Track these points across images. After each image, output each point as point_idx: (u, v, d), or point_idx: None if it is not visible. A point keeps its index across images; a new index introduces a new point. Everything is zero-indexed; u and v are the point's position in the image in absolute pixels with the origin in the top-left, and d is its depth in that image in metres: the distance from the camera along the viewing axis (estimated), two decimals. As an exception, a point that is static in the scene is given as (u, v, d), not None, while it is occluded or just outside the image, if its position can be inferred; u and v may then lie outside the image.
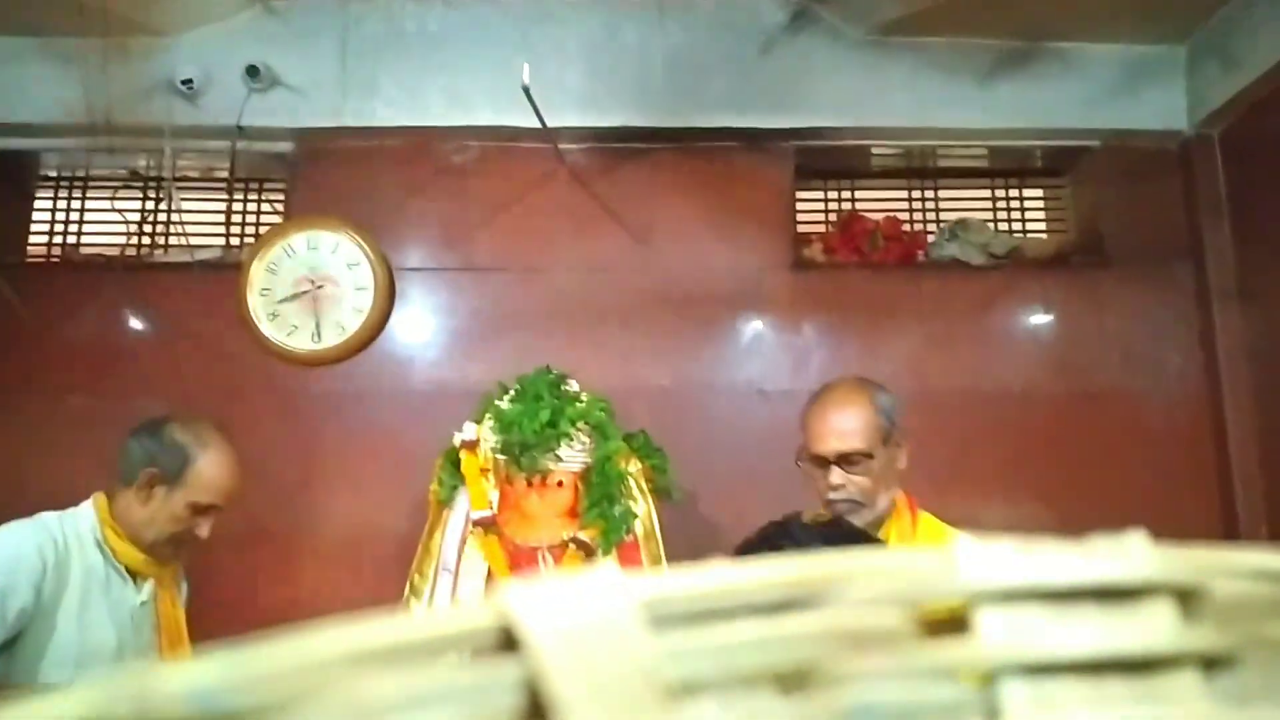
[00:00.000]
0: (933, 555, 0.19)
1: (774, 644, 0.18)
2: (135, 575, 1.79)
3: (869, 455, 1.64)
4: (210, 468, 1.77)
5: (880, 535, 1.66)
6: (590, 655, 0.17)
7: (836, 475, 1.64)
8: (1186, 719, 0.18)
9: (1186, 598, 0.19)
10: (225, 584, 2.43)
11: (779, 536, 0.70)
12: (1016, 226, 2.99)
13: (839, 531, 0.70)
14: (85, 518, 1.77)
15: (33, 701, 0.15)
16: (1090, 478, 2.62)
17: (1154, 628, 0.19)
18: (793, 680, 0.18)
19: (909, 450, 1.73)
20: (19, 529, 1.70)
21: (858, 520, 1.62)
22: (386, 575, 2.34)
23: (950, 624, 0.19)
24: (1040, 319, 2.79)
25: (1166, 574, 0.19)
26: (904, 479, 1.83)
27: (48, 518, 1.75)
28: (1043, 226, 3.02)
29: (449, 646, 0.17)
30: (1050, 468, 2.63)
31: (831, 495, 1.67)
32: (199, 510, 1.76)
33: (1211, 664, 0.19)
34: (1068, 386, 2.71)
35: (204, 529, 1.78)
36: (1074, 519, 2.59)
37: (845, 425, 1.67)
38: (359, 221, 2.71)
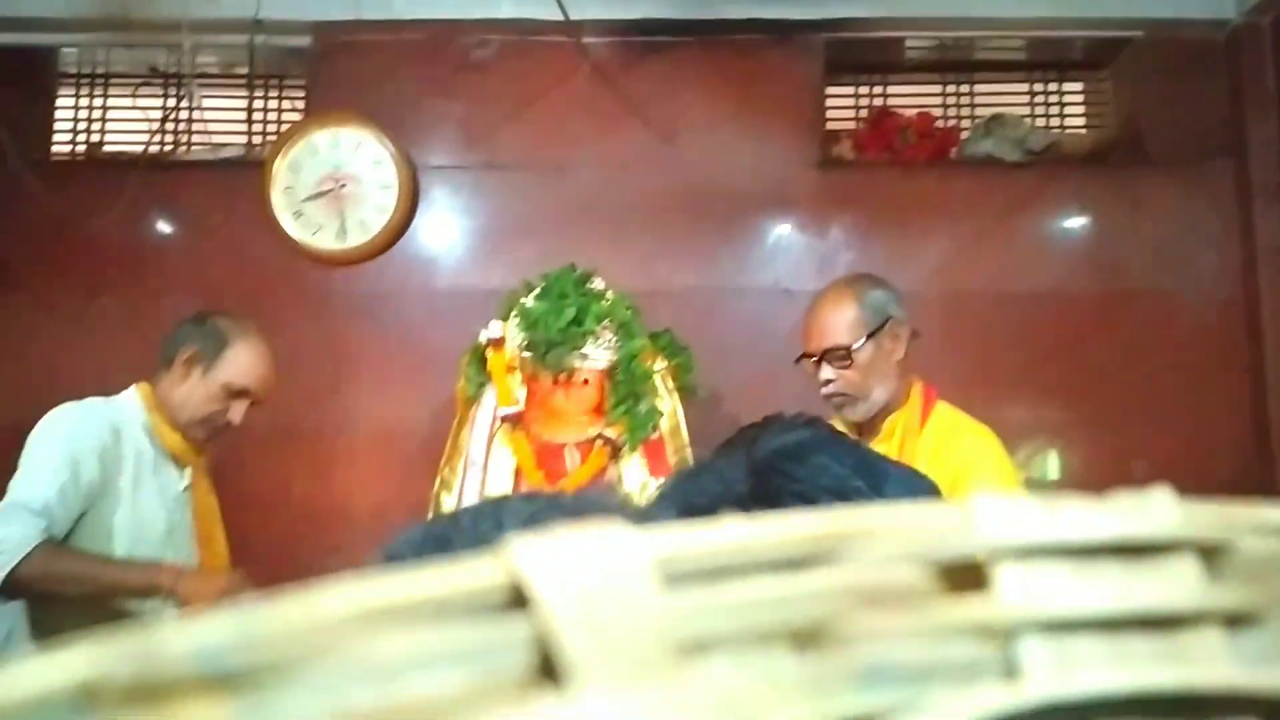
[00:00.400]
0: (951, 511, 0.19)
1: (788, 601, 0.18)
2: (176, 461, 1.87)
3: (848, 349, 1.72)
4: (245, 353, 1.85)
5: (886, 426, 1.75)
6: (600, 612, 0.17)
7: (825, 371, 1.74)
8: (1209, 677, 0.18)
9: (1211, 555, 0.19)
10: (259, 482, 2.49)
11: (747, 434, 0.71)
12: (1054, 122, 2.91)
13: (809, 429, 0.70)
14: (130, 404, 1.85)
15: (33, 659, 0.15)
16: (1121, 378, 2.60)
17: (1177, 585, 0.19)
18: (807, 638, 0.18)
19: (906, 339, 1.79)
20: (74, 409, 1.79)
21: (852, 413, 1.71)
22: (416, 471, 2.39)
23: (968, 581, 0.19)
24: (1075, 218, 2.73)
25: (1191, 530, 0.19)
26: (922, 371, 1.86)
27: (95, 401, 1.82)
28: (1081, 122, 2.93)
29: (458, 604, 0.17)
30: (1080, 368, 2.62)
31: (823, 390, 1.77)
32: (232, 393, 1.84)
33: (1235, 622, 0.19)
34: (1101, 286, 2.67)
35: (237, 414, 1.86)
36: (1104, 419, 2.59)
37: (826, 323, 1.77)
38: (381, 118, 2.67)
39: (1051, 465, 2.63)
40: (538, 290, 2.24)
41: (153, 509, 1.82)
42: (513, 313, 2.23)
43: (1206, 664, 0.18)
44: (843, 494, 0.64)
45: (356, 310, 2.69)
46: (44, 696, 0.15)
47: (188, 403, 1.83)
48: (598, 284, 2.27)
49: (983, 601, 0.19)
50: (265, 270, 2.67)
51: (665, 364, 2.28)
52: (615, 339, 2.22)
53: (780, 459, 0.67)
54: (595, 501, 0.53)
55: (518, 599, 0.17)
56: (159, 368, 1.86)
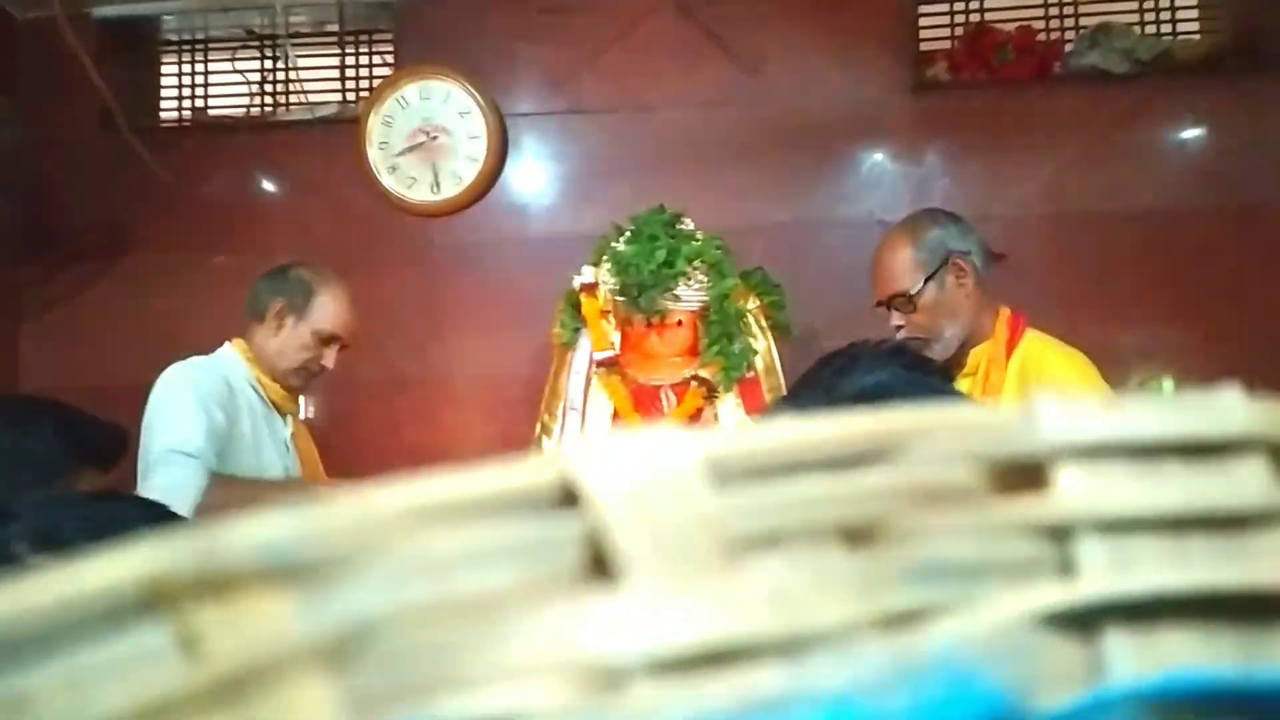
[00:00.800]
0: (1012, 410, 0.19)
1: (841, 499, 0.18)
2: (279, 410, 1.96)
3: (908, 295, 1.72)
4: (332, 300, 1.94)
5: (971, 359, 1.74)
6: (652, 510, 0.17)
7: (894, 318, 1.76)
8: (1272, 578, 0.18)
9: None
10: (369, 429, 2.59)
11: (827, 368, 0.70)
12: (1165, 29, 2.74)
13: (889, 368, 0.69)
14: (230, 360, 1.94)
15: (94, 558, 0.16)
16: (1244, 299, 2.47)
17: (1243, 484, 0.18)
18: (860, 536, 0.18)
19: (975, 270, 1.78)
20: (186, 366, 1.90)
21: (930, 354, 1.69)
22: (517, 416, 2.44)
23: (1026, 482, 0.18)
24: (1190, 130, 2.59)
25: (1260, 428, 0.18)
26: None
27: (200, 359, 1.91)
28: (1194, 27, 2.75)
29: (511, 502, 0.17)
30: (1199, 290, 2.50)
31: (898, 336, 1.75)
32: (324, 340, 1.93)
33: None
34: (1218, 203, 2.53)
35: (330, 359, 1.96)
36: (1225, 343, 2.47)
37: (885, 270, 1.78)
38: (467, 68, 2.69)
39: (1168, 392, 2.53)
40: (628, 234, 2.24)
41: (270, 455, 1.93)
42: (604, 257, 2.24)
43: (1271, 564, 0.18)
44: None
45: (454, 260, 2.75)
46: (108, 592, 0.16)
47: (284, 352, 1.92)
48: (687, 224, 2.26)
49: (1041, 500, 0.18)
50: (365, 225, 2.74)
51: (758, 302, 2.26)
52: (707, 279, 2.22)
53: (858, 404, 0.67)
54: None
55: (570, 497, 0.17)
56: (249, 323, 1.95)
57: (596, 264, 2.27)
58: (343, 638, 0.16)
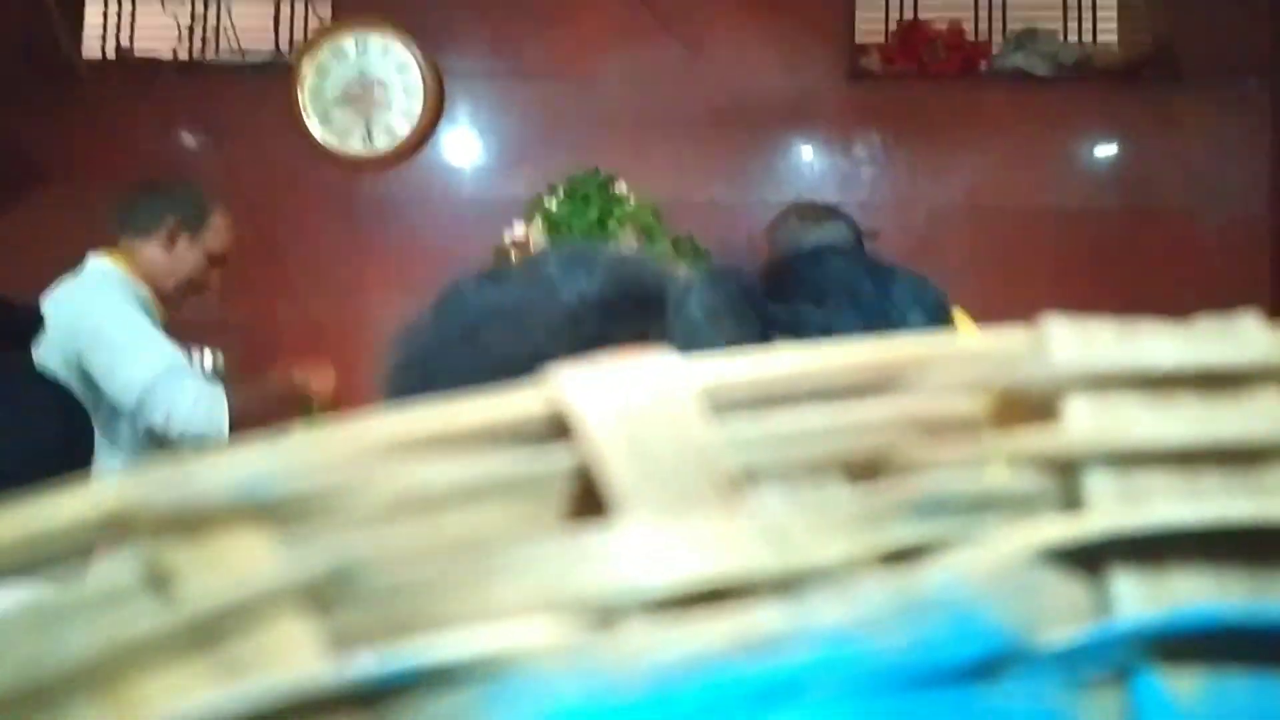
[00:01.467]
0: (1020, 338, 0.18)
1: (842, 431, 0.17)
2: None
3: None
4: (222, 219, 1.91)
5: None
6: (646, 441, 0.16)
7: None
8: None
9: None
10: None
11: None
12: (1087, 36, 2.86)
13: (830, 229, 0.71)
14: (113, 275, 1.85)
15: (65, 493, 0.15)
16: (1143, 295, 2.59)
17: (1258, 416, 0.17)
18: (861, 469, 0.17)
19: None
20: (97, 282, 1.84)
21: None
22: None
23: (1033, 412, 0.18)
24: (1104, 135, 2.70)
25: (1277, 358, 0.17)
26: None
27: (92, 274, 1.86)
28: (1114, 37, 2.88)
29: (499, 434, 0.16)
30: (1107, 286, 2.61)
31: None
32: (214, 260, 1.90)
33: None
34: (1128, 205, 2.65)
35: (215, 279, 1.93)
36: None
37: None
38: (408, 24, 2.67)
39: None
40: (561, 194, 2.25)
41: None
42: (536, 215, 2.25)
43: None
44: (853, 293, 0.65)
45: (381, 214, 2.71)
46: (76, 526, 0.15)
47: (175, 271, 1.86)
48: (621, 189, 2.28)
49: (1048, 432, 0.17)
50: (291, 173, 2.69)
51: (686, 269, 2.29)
52: (637, 243, 2.24)
53: (795, 260, 0.69)
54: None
55: (560, 428, 0.16)
56: (127, 237, 1.88)
57: (529, 221, 2.27)
58: (324, 576, 0.15)
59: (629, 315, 0.46)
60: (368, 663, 0.15)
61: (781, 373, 0.17)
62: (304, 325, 2.48)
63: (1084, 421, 0.17)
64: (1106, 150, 2.71)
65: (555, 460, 0.16)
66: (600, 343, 0.43)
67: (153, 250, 1.87)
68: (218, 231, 1.90)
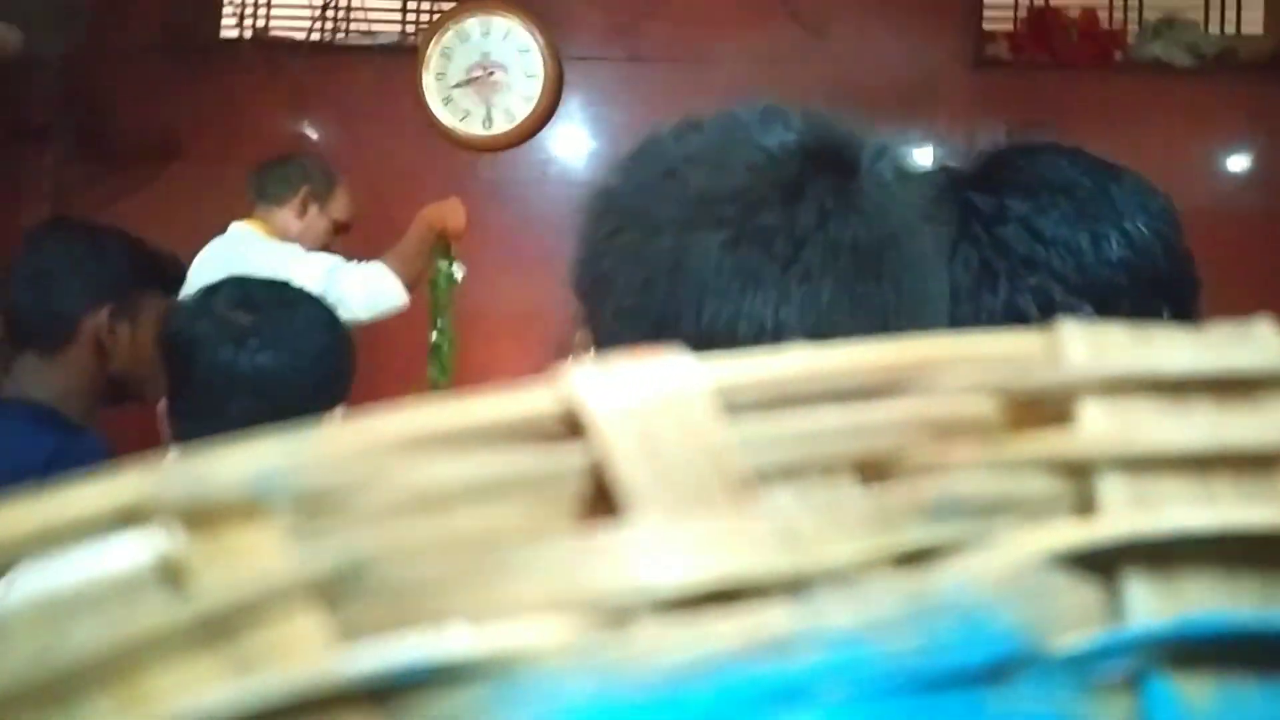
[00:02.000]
0: (1033, 340, 0.17)
1: (854, 432, 0.17)
2: None
3: None
4: (345, 191, 2.09)
5: None
6: (658, 440, 0.16)
7: None
8: None
9: None
10: (396, 356, 2.60)
11: None
12: (1230, 25, 2.72)
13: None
14: (254, 239, 2.01)
15: (78, 486, 0.15)
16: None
17: (1273, 422, 0.17)
18: (873, 470, 0.17)
19: None
20: (239, 241, 2.01)
21: None
22: (549, 353, 2.45)
23: (1048, 415, 0.17)
24: (1246, 130, 2.57)
25: None
26: None
27: (235, 236, 2.03)
28: (1259, 25, 2.73)
29: (511, 432, 0.16)
30: (1244, 290, 2.47)
31: None
32: (338, 228, 2.07)
33: None
34: (1269, 205, 2.52)
35: (338, 246, 2.07)
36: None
37: None
38: (529, 8, 2.70)
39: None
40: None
41: None
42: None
43: None
44: (1068, 190, 0.64)
45: (497, 196, 2.76)
46: (92, 518, 0.15)
47: (304, 237, 2.01)
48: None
49: (1062, 435, 0.17)
50: (413, 154, 2.75)
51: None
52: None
53: (1010, 151, 0.68)
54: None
55: (573, 427, 0.16)
56: (263, 205, 2.05)
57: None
58: (336, 572, 0.15)
59: (825, 165, 0.47)
60: (379, 658, 0.15)
61: (794, 373, 0.17)
62: (416, 305, 2.54)
63: (1098, 425, 0.17)
64: (1246, 146, 2.58)
65: (567, 459, 0.16)
66: (796, 189, 0.45)
67: (286, 216, 2.03)
68: (342, 201, 2.06)
